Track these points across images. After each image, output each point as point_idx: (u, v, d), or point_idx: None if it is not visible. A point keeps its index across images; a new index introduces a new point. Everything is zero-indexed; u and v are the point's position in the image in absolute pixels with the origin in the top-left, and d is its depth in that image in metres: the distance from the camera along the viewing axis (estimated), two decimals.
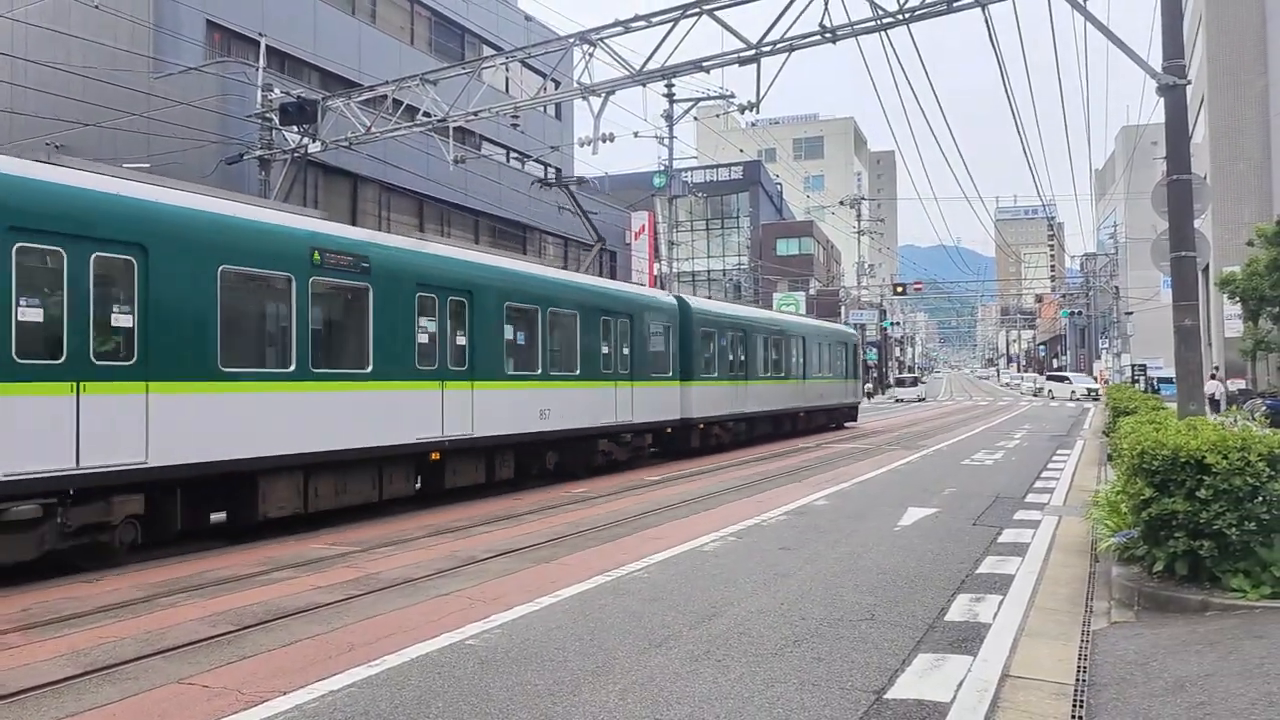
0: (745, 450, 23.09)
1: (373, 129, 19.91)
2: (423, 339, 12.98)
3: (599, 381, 17.44)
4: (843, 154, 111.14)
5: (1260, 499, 6.51)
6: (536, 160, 36.41)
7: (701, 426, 21.82)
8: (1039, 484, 15.35)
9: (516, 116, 26.40)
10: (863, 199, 75.16)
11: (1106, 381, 59.38)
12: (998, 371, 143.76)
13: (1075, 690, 5.29)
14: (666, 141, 35.57)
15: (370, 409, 12.04)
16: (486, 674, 5.61)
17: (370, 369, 12.10)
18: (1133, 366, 53.50)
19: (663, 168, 36.75)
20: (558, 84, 23.05)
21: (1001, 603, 7.27)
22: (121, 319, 9.19)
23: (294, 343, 11.06)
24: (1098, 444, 23.06)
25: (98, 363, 8.91)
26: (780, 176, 77.98)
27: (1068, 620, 6.86)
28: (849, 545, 9.81)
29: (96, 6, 19.66)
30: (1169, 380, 47.52)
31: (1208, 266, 31.38)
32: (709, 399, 22.11)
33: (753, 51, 15.50)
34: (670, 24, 15.89)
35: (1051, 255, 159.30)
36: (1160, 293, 42.23)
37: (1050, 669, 5.70)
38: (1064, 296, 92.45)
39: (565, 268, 28.88)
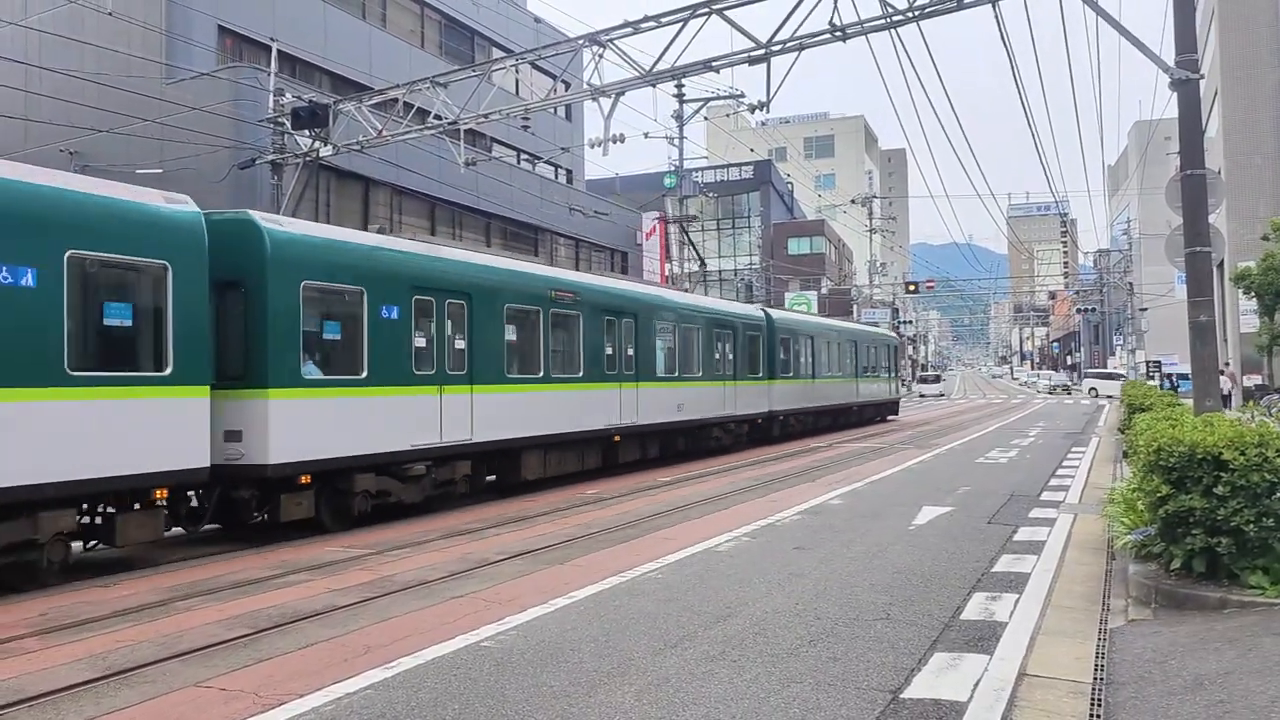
0: (762, 449, 23.08)
1: (384, 132, 19.97)
2: (609, 351, 17.40)
3: (716, 382, 21.91)
4: (854, 152, 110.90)
5: (1278, 495, 6.46)
6: (547, 162, 36.52)
7: (781, 418, 26.12)
8: (1054, 482, 15.27)
9: (527, 118, 26.43)
10: (874, 197, 74.93)
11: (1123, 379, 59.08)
12: (1010, 369, 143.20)
13: (1093, 689, 5.26)
14: (676, 142, 35.56)
15: (581, 403, 16.48)
16: (502, 675, 5.61)
17: (580, 374, 16.48)
18: (1147, 363, 53.23)
19: (673, 168, 36.74)
20: (568, 85, 23.06)
21: (1018, 601, 7.24)
22: (459, 345, 13.56)
23: (541, 356, 15.38)
24: (1113, 441, 22.94)
25: (449, 373, 13.23)
26: (791, 176, 77.85)
27: (1084, 618, 6.82)
28: (864, 544, 9.79)
29: (110, 13, 19.79)
30: (1186, 376, 47.30)
31: (1222, 262, 31.15)
32: (789, 395, 26.41)
33: (762, 51, 15.48)
34: (680, 24, 15.88)
35: (1065, 252, 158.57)
36: (1175, 288, 41.97)
37: (1068, 667, 5.66)
38: (1077, 293, 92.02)
39: (577, 269, 28.97)
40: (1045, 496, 13.48)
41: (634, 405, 18.07)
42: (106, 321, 8.96)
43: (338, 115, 20.01)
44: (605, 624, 6.75)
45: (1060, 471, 16.80)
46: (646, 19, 16.07)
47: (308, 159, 20.51)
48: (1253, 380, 33.51)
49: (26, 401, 8.13)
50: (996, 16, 13.77)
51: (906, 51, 16.62)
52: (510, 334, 14.57)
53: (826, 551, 9.43)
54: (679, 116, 34.96)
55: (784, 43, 15.30)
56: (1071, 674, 5.54)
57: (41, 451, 8.20)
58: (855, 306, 64.90)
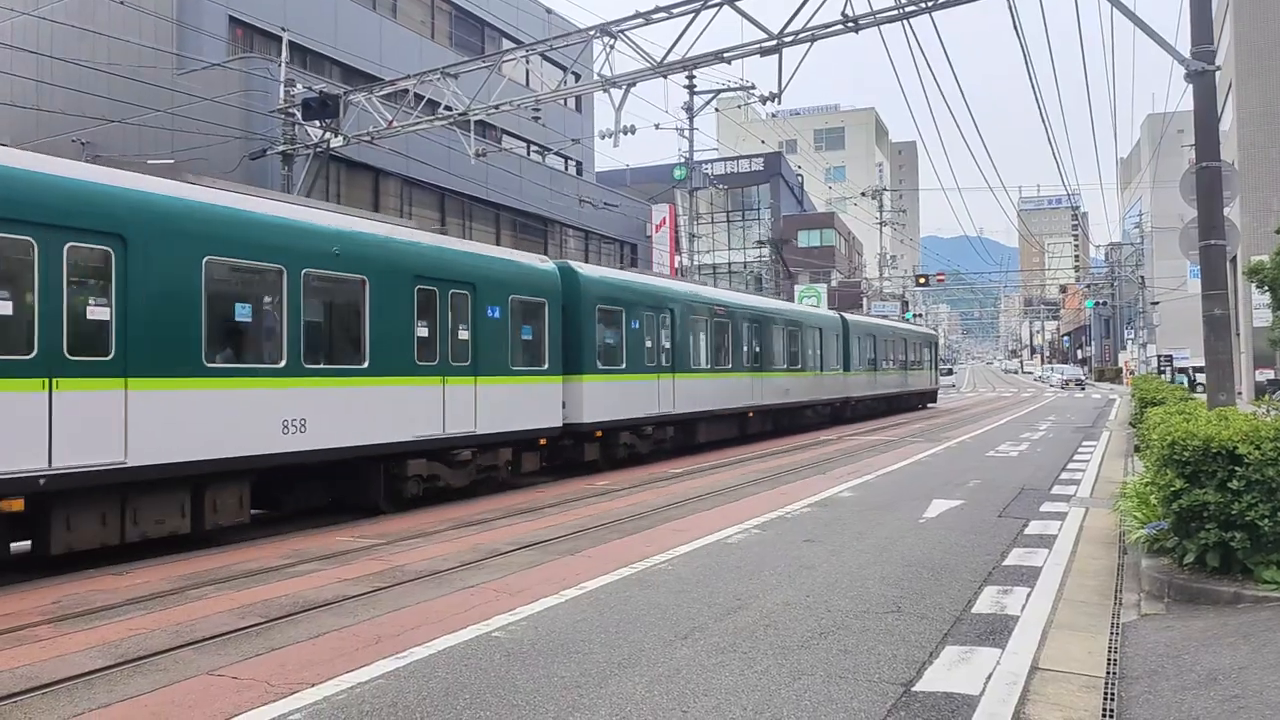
0: (772, 442, 23.06)
1: (394, 123, 19.97)
2: (745, 349, 22.97)
3: (808, 373, 27.43)
4: (864, 145, 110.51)
5: None
6: (557, 153, 36.48)
7: (855, 402, 32.03)
8: (1065, 475, 15.22)
9: (537, 109, 26.39)
10: (884, 190, 74.67)
11: (1133, 372, 58.74)
12: (1021, 363, 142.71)
13: (1106, 683, 5.24)
14: (687, 133, 35.47)
15: (732, 387, 22.08)
16: (513, 665, 5.62)
17: (730, 366, 22.14)
18: (1159, 357, 52.94)
19: (683, 160, 36.66)
20: (578, 77, 23.01)
21: (1029, 595, 7.22)
22: (665, 345, 19.02)
23: (714, 352, 21.30)
24: (1124, 435, 22.85)
25: (663, 365, 18.88)
26: (801, 168, 77.53)
27: (1097, 612, 6.80)
28: (874, 537, 9.77)
29: (122, 2, 19.81)
30: (1183, 371, 47.05)
31: (1236, 256, 30.98)
32: (859, 384, 32.39)
33: (774, 42, 15.42)
34: (691, 15, 15.83)
35: (1076, 245, 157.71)
36: (1187, 282, 41.71)
37: (1080, 661, 5.65)
38: (1088, 287, 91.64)
39: (586, 261, 28.99)
40: (1056, 490, 13.44)
41: (761, 390, 23.74)
42: (524, 337, 14.79)
43: (348, 106, 20.01)
44: (616, 615, 6.76)
45: (1071, 465, 16.73)
46: (658, 9, 16.02)
47: (318, 150, 20.53)
48: (1265, 375, 33.33)
49: (491, 385, 13.78)
50: (1010, 7, 13.69)
51: (919, 43, 16.54)
52: (696, 337, 20.56)
53: (837, 544, 9.42)
54: (689, 108, 34.87)
55: (796, 34, 15.24)
56: (1084, 668, 5.53)
57: (502, 413, 13.97)
58: (865, 299, 64.72)
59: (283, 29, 22.92)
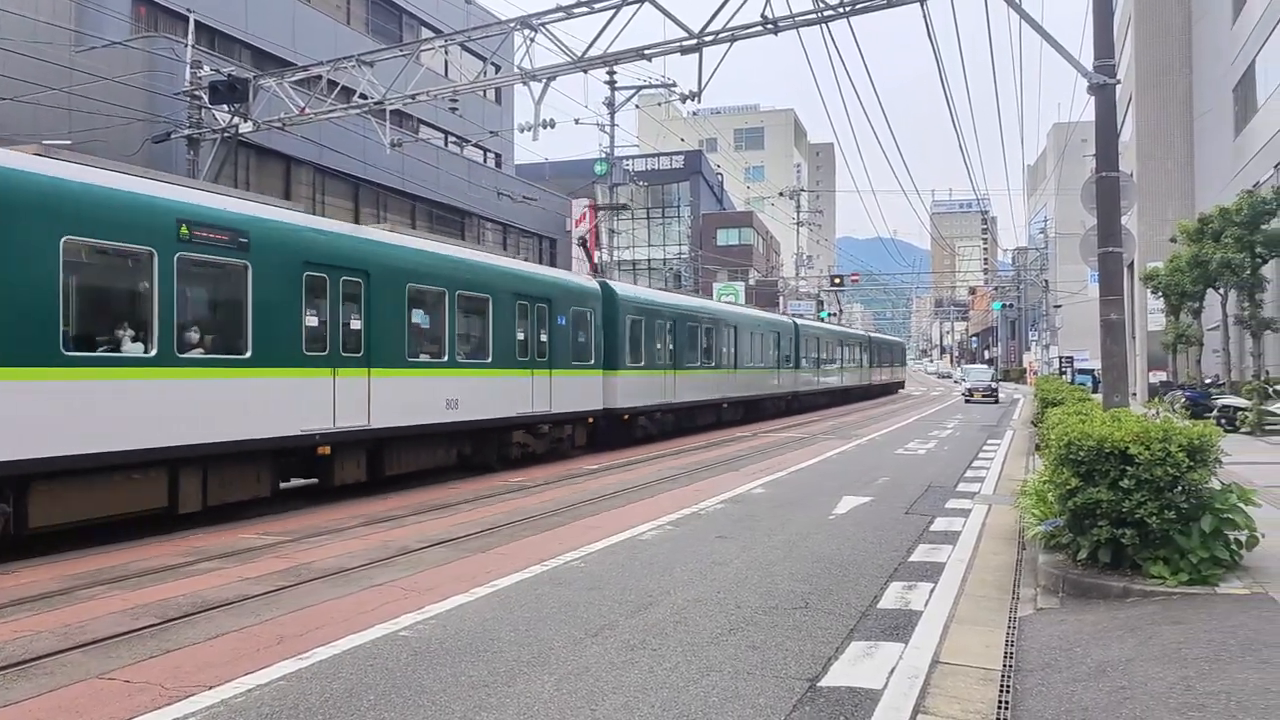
0: (685, 438, 23.22)
1: (307, 110, 19.50)
2: (773, 352, 32.69)
3: (766, 370, 32.43)
4: (783, 145, 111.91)
5: (1180, 488, 6.72)
6: (476, 145, 36.07)
7: (803, 395, 37.87)
8: (970, 473, 15.66)
9: (455, 100, 26.06)
10: (802, 190, 75.81)
11: (1036, 373, 60.69)
12: (930, 361, 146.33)
13: (1002, 676, 5.41)
14: (608, 129, 35.47)
15: (750, 380, 29.95)
16: (420, 665, 5.55)
17: (714, 364, 27.34)
18: (1060, 358, 54.83)
19: (604, 155, 36.64)
20: (498, 68, 22.81)
21: (933, 590, 7.41)
22: (669, 345, 23.76)
23: (731, 355, 28.45)
24: (1026, 434, 23.61)
25: (681, 363, 23.90)
26: (721, 166, 78.20)
27: (996, 607, 7.01)
28: (785, 534, 9.91)
29: None
30: (1085, 371, 48.86)
31: (1133, 262, 32.30)
32: (806, 380, 38.39)
33: (694, 41, 15.50)
34: (613, 10, 15.81)
35: (985, 248, 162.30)
36: (1088, 286, 43.24)
37: (978, 655, 5.82)
38: (996, 289, 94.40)
39: (505, 249, 28.80)
40: (961, 488, 13.82)
41: (733, 384, 28.79)
42: (579, 340, 19.12)
43: (258, 91, 19.46)
44: (527, 613, 6.72)
45: (976, 463, 17.23)
46: (579, 4, 15.96)
47: (226, 135, 19.92)
48: (1158, 377, 34.79)
49: (561, 376, 18.16)
50: (924, 15, 14.01)
51: (836, 47, 16.81)
52: (691, 340, 25.31)
53: (748, 540, 9.53)
54: (610, 104, 34.88)
55: (716, 33, 15.34)
56: (982, 661, 5.70)
57: (567, 397, 18.40)
58: (781, 298, 65.60)
59: (189, 9, 22.17)
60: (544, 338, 17.65)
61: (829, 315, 69.93)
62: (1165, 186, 36.75)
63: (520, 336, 16.92)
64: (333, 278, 12.44)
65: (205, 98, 19.72)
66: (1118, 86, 11.48)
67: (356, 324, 12.81)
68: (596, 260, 40.88)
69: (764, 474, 15.43)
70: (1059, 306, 60.25)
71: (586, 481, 14.92)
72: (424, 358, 14.28)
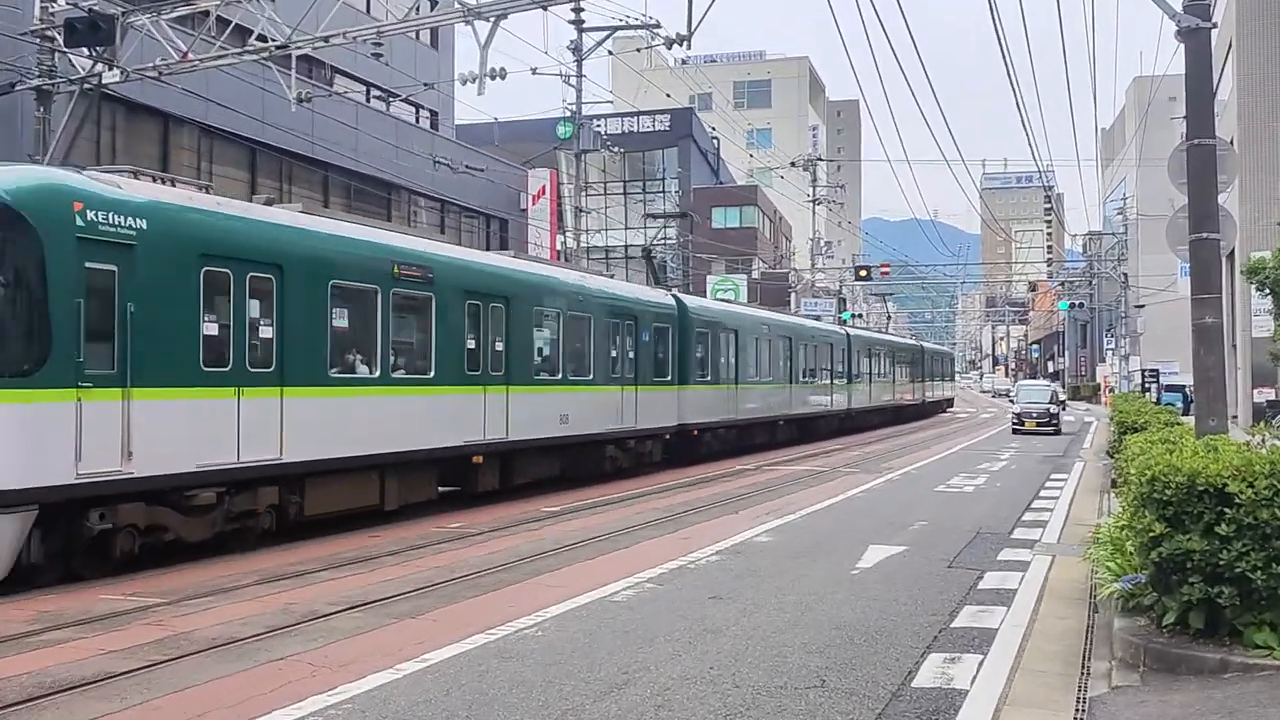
0: (682, 471, 23.24)
1: (190, 55, 19.43)
2: (826, 366, 39.17)
3: (821, 384, 38.67)
4: (795, 103, 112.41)
5: None
6: (406, 100, 36.06)
7: (855, 413, 43.32)
8: (1029, 516, 15.76)
9: (380, 44, 26.05)
10: (819, 160, 76.10)
11: (1112, 390, 61.13)
12: (981, 375, 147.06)
13: None
14: (574, 81, 35.52)
15: (803, 394, 36.43)
16: None
17: (771, 379, 32.78)
18: (1143, 372, 55.13)
19: (569, 114, 36.69)
20: (434, 3, 22.86)
21: (981, 664, 7.45)
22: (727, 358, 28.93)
23: (783, 368, 34.21)
24: (1100, 467, 23.79)
25: (735, 377, 29.26)
26: (717, 130, 78.49)
27: (1060, 685, 7.06)
28: (795, 593, 9.93)
29: None
30: (1174, 388, 49.19)
31: (1233, 251, 32.53)
32: (859, 395, 43.86)
33: None
34: None
35: (1048, 234, 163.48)
36: (1177, 281, 43.52)
37: None
38: (1063, 285, 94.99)
39: (442, 232, 28.80)
40: (1018, 534, 13.91)
41: (791, 400, 34.55)
42: (658, 355, 23.92)
43: (127, 30, 19.38)
44: (468, 695, 6.71)
45: (1036, 504, 17.34)
46: None
47: (87, 87, 19.82)
48: (1265, 395, 35.00)
49: (643, 392, 22.69)
50: None
51: None
52: (752, 352, 30.77)
53: (749, 601, 9.54)
54: (577, 49, 34.95)
55: None
56: None
57: (655, 411, 23.35)
58: (793, 295, 65.74)
59: None
60: (631, 354, 22.50)
61: (852, 317, 70.17)
62: (1274, 156, 36.99)
63: (613, 354, 21.88)
64: (484, 305, 17.26)
65: (60, 39, 19.61)
66: (1214, 30, 11.61)
67: (499, 345, 17.64)
68: (559, 246, 40.95)
69: (770, 516, 15.47)
70: (1141, 307, 60.69)
71: (545, 527, 14.93)
72: (543, 375, 19.38)
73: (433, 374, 15.86)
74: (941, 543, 13.06)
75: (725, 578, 10.77)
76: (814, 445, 33.75)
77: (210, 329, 12.32)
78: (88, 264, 10.77)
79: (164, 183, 12.80)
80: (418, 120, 38.32)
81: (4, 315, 10.50)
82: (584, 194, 37.73)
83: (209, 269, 12.32)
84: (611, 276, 27.27)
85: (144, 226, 11.38)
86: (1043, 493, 19.01)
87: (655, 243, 64.58)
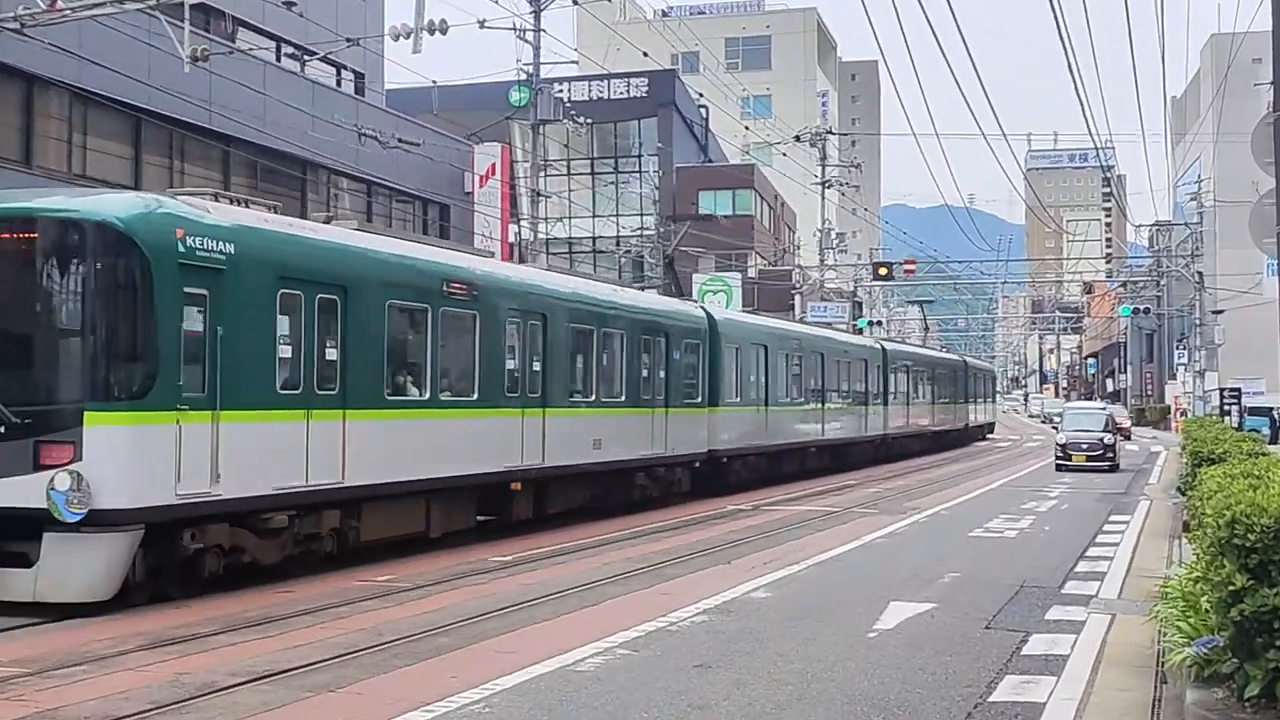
0: (664, 511, 23.27)
1: (59, 3, 19.41)
2: (861, 387, 42.97)
3: (854, 407, 41.63)
4: (800, 63, 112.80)
5: None
6: (325, 60, 35.99)
7: (891, 439, 47.17)
8: (1083, 567, 15.83)
9: None
10: (830, 133, 75.99)
11: (1184, 413, 61.40)
12: (1025, 397, 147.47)
13: None
14: (530, 37, 35.57)
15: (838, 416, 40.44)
16: None
17: (804, 400, 36.56)
18: (1222, 390, 55.38)
19: (524, 78, 36.76)
20: None
21: None
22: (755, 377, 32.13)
23: (817, 388, 37.82)
24: (1169, 507, 23.90)
25: (768, 397, 32.63)
26: (706, 96, 78.55)
27: None
28: (800, 661, 9.94)
29: None
30: (1260, 411, 49.37)
31: None
32: (896, 417, 47.52)
33: None
34: None
35: (1107, 224, 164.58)
36: (1263, 282, 43.79)
37: None
38: (1124, 286, 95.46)
39: (370, 220, 28.71)
40: (1070, 588, 13.96)
41: (822, 424, 37.76)
42: (688, 375, 26.77)
43: None
44: None
45: (1092, 551, 17.42)
46: None
47: None
48: None
49: (673, 415, 25.39)
50: None
51: None
52: (784, 371, 34.00)
53: (743, 671, 9.55)
54: None
55: None
56: None
57: (684, 436, 26.11)
58: (798, 298, 65.58)
59: None
60: (662, 374, 24.91)
61: (869, 325, 70.21)
62: None
63: (644, 374, 24.17)
64: (524, 321, 19.42)
65: None
66: None
67: (537, 365, 19.73)
68: (512, 238, 40.93)
69: (770, 568, 15.50)
70: (1219, 312, 60.96)
71: (493, 582, 14.95)
72: (577, 397, 21.59)
73: (476, 395, 18.00)
74: (978, 599, 13.11)
75: (714, 642, 10.79)
76: (845, 475, 36.07)
77: (284, 351, 14.65)
78: (186, 288, 13.01)
79: (241, 204, 15.19)
80: (339, 84, 38.28)
81: (120, 337, 12.96)
82: (542, 174, 37.82)
83: (284, 291, 14.55)
84: (630, 287, 29.89)
85: (231, 251, 13.57)
86: (1100, 538, 19.08)
87: (630, 234, 64.59)
